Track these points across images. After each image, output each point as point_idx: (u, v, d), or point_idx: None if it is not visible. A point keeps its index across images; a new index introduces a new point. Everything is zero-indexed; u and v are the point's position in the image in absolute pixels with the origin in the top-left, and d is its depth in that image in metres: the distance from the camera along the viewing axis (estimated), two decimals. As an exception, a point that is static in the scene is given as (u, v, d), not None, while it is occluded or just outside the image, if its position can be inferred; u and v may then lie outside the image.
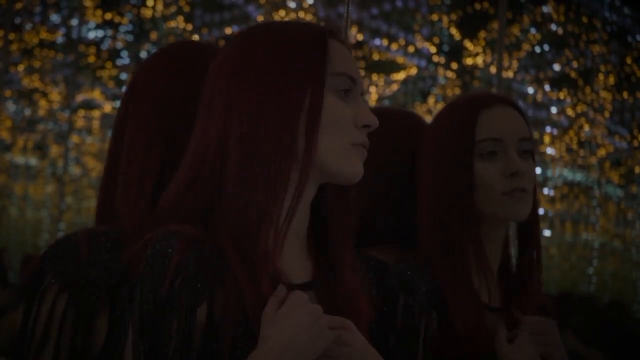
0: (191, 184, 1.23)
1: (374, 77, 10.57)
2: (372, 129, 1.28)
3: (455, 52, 10.30)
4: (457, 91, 10.32)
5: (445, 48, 10.31)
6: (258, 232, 1.20)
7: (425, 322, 1.63)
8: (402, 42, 10.21)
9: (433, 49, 10.23)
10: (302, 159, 1.22)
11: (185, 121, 1.39)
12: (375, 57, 10.31)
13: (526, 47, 10.19)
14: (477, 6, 9.84)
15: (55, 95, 11.51)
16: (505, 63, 9.66)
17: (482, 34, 10.09)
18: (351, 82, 1.28)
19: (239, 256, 1.18)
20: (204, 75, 1.38)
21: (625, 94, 10.33)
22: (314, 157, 1.23)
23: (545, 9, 10.03)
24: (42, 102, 11.75)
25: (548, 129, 10.47)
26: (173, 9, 10.19)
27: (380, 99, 10.74)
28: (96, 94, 11.32)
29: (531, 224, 1.78)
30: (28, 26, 10.52)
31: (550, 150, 10.50)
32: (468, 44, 10.15)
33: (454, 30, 10.14)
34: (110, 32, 10.74)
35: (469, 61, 10.23)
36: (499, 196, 1.69)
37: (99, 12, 10.19)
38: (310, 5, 9.42)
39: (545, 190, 10.53)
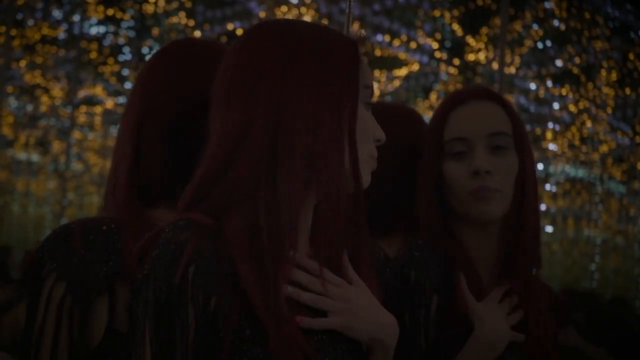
0: (211, 180, 1.22)
1: (376, 73, 10.56)
2: (380, 144, 1.30)
3: (457, 48, 10.29)
4: (459, 87, 10.31)
5: (448, 44, 10.31)
6: (283, 234, 1.20)
7: (438, 300, 1.64)
8: (404, 38, 10.20)
9: (435, 45, 10.23)
10: (352, 170, 1.24)
11: (197, 118, 1.41)
12: (378, 53, 10.31)
13: (528, 43, 10.18)
14: (479, 2, 9.83)
15: (57, 91, 11.53)
16: (508, 59, 9.66)
17: (484, 30, 10.09)
18: (371, 93, 1.30)
19: (250, 252, 1.18)
20: (201, 72, 1.42)
21: (627, 90, 10.33)
22: (359, 168, 1.25)
23: (548, 4, 10.03)
24: (44, 98, 11.77)
25: (550, 125, 10.47)
26: (175, 4, 10.20)
27: (382, 94, 10.73)
28: (98, 90, 11.34)
29: (528, 220, 1.73)
30: (30, 22, 10.52)
31: (552, 147, 10.50)
32: (470, 40, 10.14)
33: (456, 26, 10.13)
34: (112, 28, 10.75)
35: (471, 57, 10.22)
36: (465, 195, 1.68)
37: (100, 8, 10.19)
38: (312, 1, 9.42)
39: (548, 187, 10.54)
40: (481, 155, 1.67)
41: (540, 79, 10.39)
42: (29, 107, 12.36)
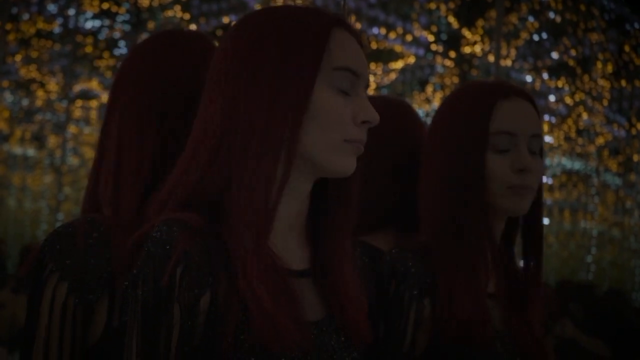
0: (193, 173, 1.23)
1: (372, 66, 10.55)
2: (372, 125, 1.27)
3: (453, 41, 10.28)
4: (455, 80, 10.31)
5: (443, 37, 10.30)
6: (249, 223, 1.19)
7: (416, 310, 1.63)
8: (400, 30, 10.19)
9: (431, 38, 10.22)
10: (287, 151, 1.22)
11: (176, 108, 1.41)
12: (373, 46, 10.30)
13: (524, 35, 10.17)
14: (475, -6, 9.83)
15: (53, 85, 11.51)
16: (504, 51, 9.65)
17: (480, 23, 10.07)
18: (353, 77, 1.26)
19: (237, 247, 1.18)
20: (192, 62, 1.43)
21: (623, 82, 10.32)
22: (296, 151, 1.23)
23: (543, -3, 10.02)
24: (40, 93, 11.75)
25: (546, 117, 10.46)
26: (170, -2, 10.17)
27: (378, 87, 10.73)
28: (94, 84, 11.31)
29: (535, 217, 1.80)
30: (25, 16, 10.49)
31: (548, 139, 10.50)
32: (466, 32, 10.13)
33: (452, 19, 10.12)
34: (107, 22, 10.71)
35: (467, 50, 10.21)
36: (504, 189, 1.70)
37: (96, 2, 10.16)
38: (307, -6, 9.40)
39: (544, 179, 10.51)
40: (526, 153, 1.70)
41: (536, 71, 10.38)
42: (25, 102, 12.34)
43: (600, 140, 10.75)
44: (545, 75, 10.39)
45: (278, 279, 1.20)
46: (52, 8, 10.58)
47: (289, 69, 1.22)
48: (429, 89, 10.76)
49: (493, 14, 9.35)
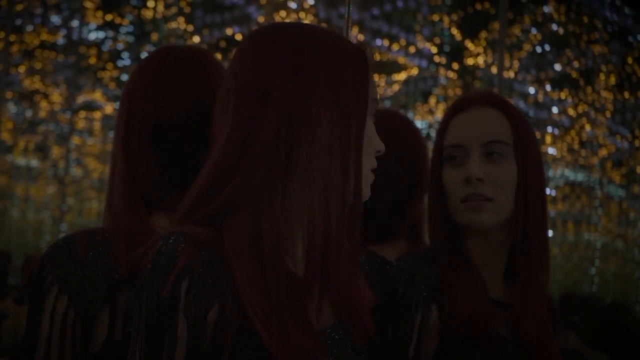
0: (211, 188, 1.21)
1: (375, 77, 10.50)
2: (379, 155, 1.30)
3: (456, 53, 10.29)
4: (459, 92, 10.32)
5: (447, 48, 10.31)
6: (284, 243, 1.19)
7: (422, 314, 1.62)
8: (403, 42, 10.21)
9: (434, 50, 10.23)
10: (354, 184, 1.22)
11: (180, 124, 1.41)
12: (377, 57, 10.30)
13: (527, 47, 10.19)
14: (478, 6, 9.84)
15: (57, 96, 11.52)
16: (507, 63, 9.66)
17: (483, 34, 10.09)
18: (377, 106, 1.29)
19: (249, 261, 1.17)
20: (199, 78, 1.42)
21: (626, 94, 10.33)
22: (361, 182, 1.24)
23: (546, 9, 10.03)
24: (43, 104, 11.76)
25: (549, 129, 10.47)
26: (174, 10, 10.19)
27: (381, 99, 10.74)
28: (97, 95, 11.34)
29: (534, 227, 1.73)
30: (29, 27, 10.51)
31: (551, 151, 10.50)
32: (469, 44, 10.14)
33: (455, 31, 10.14)
34: (111, 34, 10.74)
35: (470, 61, 10.22)
36: (457, 203, 1.69)
37: (99, 14, 10.19)
38: (311, 6, 9.42)
39: (547, 191, 10.52)
40: (475, 162, 1.67)
41: (539, 83, 10.39)
42: (28, 113, 12.35)
43: (603, 152, 10.75)
44: (548, 87, 10.40)
45: (287, 287, 1.18)
46: (55, 19, 10.61)
47: (347, 99, 1.22)
48: (432, 100, 10.77)
49: (496, 25, 9.36)
